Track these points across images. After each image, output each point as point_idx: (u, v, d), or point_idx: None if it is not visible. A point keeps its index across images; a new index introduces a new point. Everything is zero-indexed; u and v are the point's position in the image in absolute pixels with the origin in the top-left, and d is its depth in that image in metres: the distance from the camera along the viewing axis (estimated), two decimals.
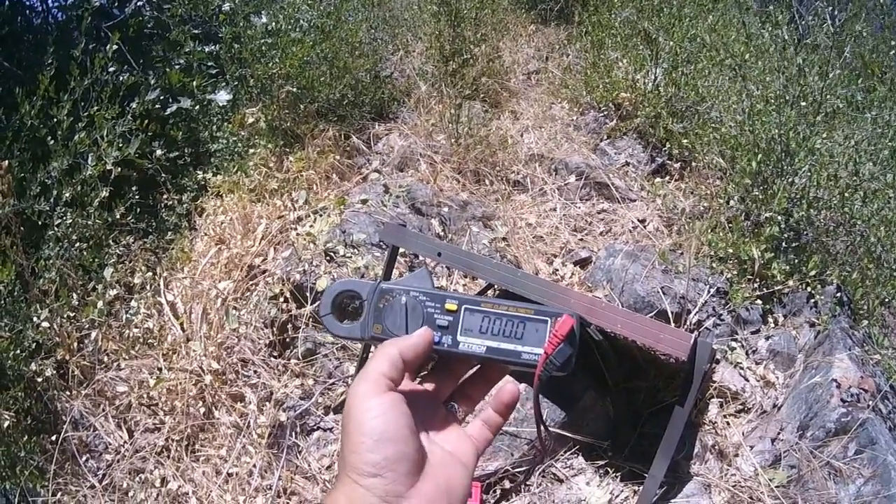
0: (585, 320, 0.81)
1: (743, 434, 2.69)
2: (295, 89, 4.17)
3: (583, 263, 3.56)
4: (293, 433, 2.79)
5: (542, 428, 0.90)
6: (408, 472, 0.68)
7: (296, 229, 3.47)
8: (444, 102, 4.61)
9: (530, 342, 0.80)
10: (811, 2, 3.59)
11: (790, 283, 3.08)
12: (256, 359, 2.99)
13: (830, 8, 3.27)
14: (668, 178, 4.24)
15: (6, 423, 2.52)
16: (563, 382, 2.62)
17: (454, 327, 0.81)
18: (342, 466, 0.68)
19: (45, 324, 2.86)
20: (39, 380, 2.74)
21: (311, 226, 3.45)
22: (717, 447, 2.66)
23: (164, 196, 3.71)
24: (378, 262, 3.20)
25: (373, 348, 2.93)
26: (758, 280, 3.11)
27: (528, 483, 2.56)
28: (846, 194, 3.19)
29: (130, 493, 2.58)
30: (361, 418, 0.68)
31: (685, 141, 4.00)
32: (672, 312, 2.96)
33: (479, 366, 0.85)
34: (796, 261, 3.15)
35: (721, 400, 2.81)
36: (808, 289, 3.04)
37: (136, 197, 3.43)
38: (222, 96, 4.19)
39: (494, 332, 0.81)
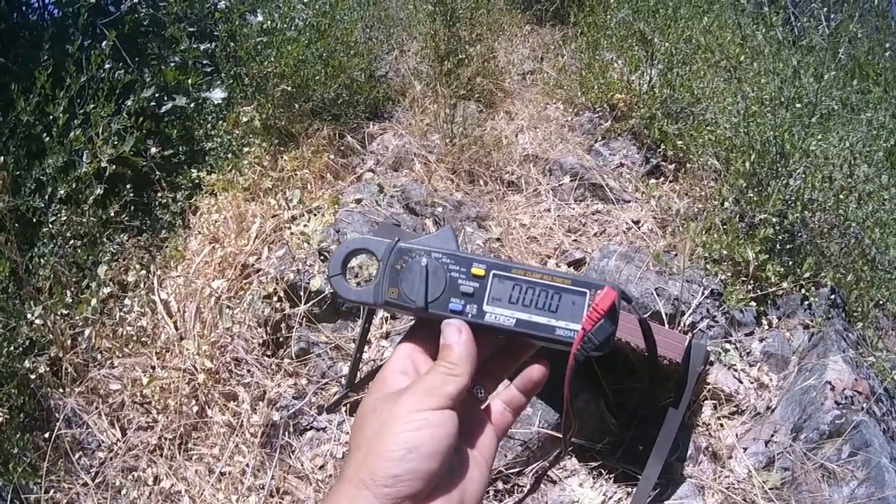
0: (627, 295, 0.72)
1: (736, 436, 2.69)
2: (290, 88, 4.17)
3: (577, 264, 3.56)
4: (286, 433, 2.78)
5: (570, 412, 0.79)
6: (424, 488, 0.63)
7: (290, 228, 3.47)
8: (438, 102, 4.60)
9: (566, 316, 0.71)
10: (806, 3, 3.61)
11: (784, 284, 3.08)
12: (250, 358, 2.98)
13: (825, 9, 3.28)
14: (662, 179, 4.24)
15: None
16: (556, 383, 2.62)
17: (480, 295, 0.72)
18: (353, 467, 0.64)
19: (39, 321, 2.85)
20: (33, 377, 2.73)
21: (305, 225, 3.45)
22: (710, 449, 2.66)
23: (159, 194, 3.69)
24: (372, 263, 3.19)
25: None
26: (752, 282, 3.11)
27: (521, 484, 2.57)
28: (841, 196, 3.20)
29: (123, 492, 2.58)
30: (400, 427, 0.63)
31: (680, 142, 4.01)
32: (666, 314, 2.96)
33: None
34: (791, 263, 3.16)
35: (715, 402, 2.82)
36: (803, 291, 3.05)
37: (131, 195, 3.42)
38: (217, 94, 4.18)
39: (526, 302, 0.71)
